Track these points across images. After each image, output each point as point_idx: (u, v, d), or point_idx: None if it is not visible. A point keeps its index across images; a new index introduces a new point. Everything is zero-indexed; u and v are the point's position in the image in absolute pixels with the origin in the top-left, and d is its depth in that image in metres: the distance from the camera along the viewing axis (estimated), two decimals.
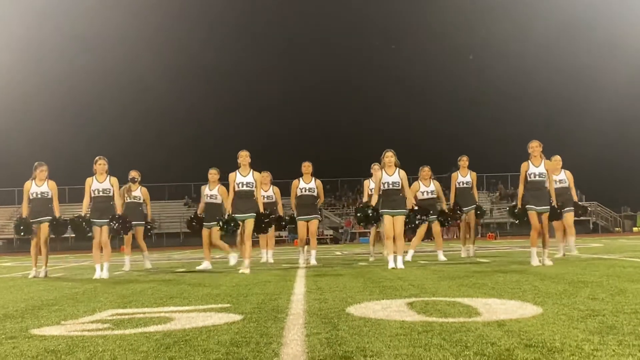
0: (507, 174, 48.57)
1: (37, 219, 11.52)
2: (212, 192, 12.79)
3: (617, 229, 46.13)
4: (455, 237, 36.64)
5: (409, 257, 12.69)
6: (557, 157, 12.75)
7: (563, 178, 12.65)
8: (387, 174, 10.87)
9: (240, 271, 10.64)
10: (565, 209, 12.33)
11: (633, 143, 56.34)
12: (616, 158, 53.28)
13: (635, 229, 45.49)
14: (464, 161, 13.68)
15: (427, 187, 12.94)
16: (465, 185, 13.62)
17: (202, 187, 13.04)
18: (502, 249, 18.47)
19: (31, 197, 11.58)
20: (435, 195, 13.05)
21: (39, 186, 11.57)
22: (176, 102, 61.23)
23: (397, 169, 10.93)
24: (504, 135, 53.23)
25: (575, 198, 13.03)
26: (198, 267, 12.60)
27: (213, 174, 12.88)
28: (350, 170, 49.85)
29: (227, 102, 62.05)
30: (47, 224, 11.44)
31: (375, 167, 13.48)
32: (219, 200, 12.69)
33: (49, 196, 11.61)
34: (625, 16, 56.98)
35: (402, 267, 10.57)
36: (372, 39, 63.54)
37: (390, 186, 10.81)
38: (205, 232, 12.84)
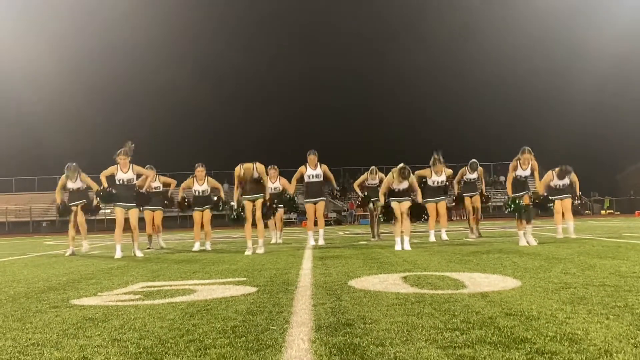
0: (490, 164, 48.43)
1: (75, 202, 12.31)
2: (202, 187, 12.44)
3: (587, 211, 46.04)
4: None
5: (445, 236, 12.85)
6: (561, 168, 12.58)
7: (566, 182, 12.65)
8: (399, 181, 10.49)
9: (246, 253, 10.16)
10: (565, 196, 12.59)
11: (600, 138, 56.35)
12: (586, 150, 53.21)
13: (603, 211, 45.41)
14: (471, 168, 13.70)
15: (438, 177, 12.78)
16: (471, 181, 13.80)
17: (189, 180, 12.60)
18: (485, 229, 18.43)
19: (70, 190, 12.35)
20: (444, 184, 12.95)
21: (74, 182, 12.25)
22: (198, 100, 61.12)
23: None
24: (487, 129, 53.24)
25: (577, 192, 13.16)
26: (193, 249, 12.18)
27: (200, 171, 12.47)
28: (352, 160, 50.00)
29: (234, 97, 62.07)
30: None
31: (373, 169, 13.66)
32: (208, 193, 12.53)
33: (84, 187, 12.35)
34: (598, 23, 56.65)
35: (409, 248, 10.11)
36: (378, 33, 63.12)
37: (401, 190, 10.54)
38: (197, 215, 12.57)
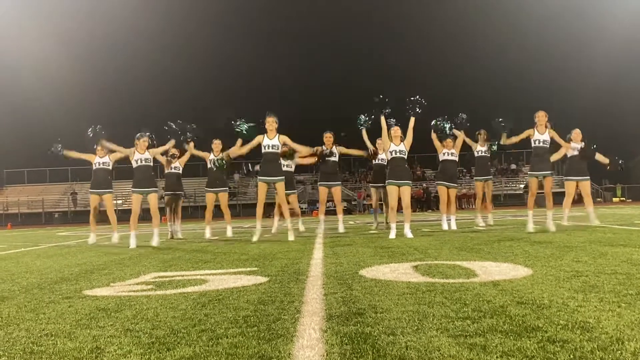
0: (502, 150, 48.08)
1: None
2: (217, 157, 12.26)
3: (599, 199, 45.76)
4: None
5: (453, 225, 12.45)
6: (577, 130, 12.05)
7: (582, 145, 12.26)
8: (394, 144, 10.50)
9: (253, 239, 10.42)
10: (583, 178, 11.97)
11: (611, 125, 55.85)
12: (597, 135, 52.69)
13: (614, 199, 45.15)
14: (482, 134, 13.35)
15: (449, 150, 12.49)
16: (483, 154, 13.31)
17: (205, 154, 12.60)
18: (497, 217, 18.40)
19: (97, 166, 12.13)
20: (456, 158, 12.62)
21: (101, 157, 12.16)
22: (198, 88, 61.61)
23: (402, 141, 10.55)
24: (498, 110, 52.75)
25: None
26: (205, 236, 12.25)
27: (217, 144, 12.50)
28: (361, 147, 49.74)
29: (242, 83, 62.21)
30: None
31: (379, 141, 13.38)
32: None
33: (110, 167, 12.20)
34: (608, 9, 56.06)
35: (411, 236, 10.11)
36: (382, 14, 62.90)
37: (398, 154, 10.42)
38: (210, 197, 12.54)
